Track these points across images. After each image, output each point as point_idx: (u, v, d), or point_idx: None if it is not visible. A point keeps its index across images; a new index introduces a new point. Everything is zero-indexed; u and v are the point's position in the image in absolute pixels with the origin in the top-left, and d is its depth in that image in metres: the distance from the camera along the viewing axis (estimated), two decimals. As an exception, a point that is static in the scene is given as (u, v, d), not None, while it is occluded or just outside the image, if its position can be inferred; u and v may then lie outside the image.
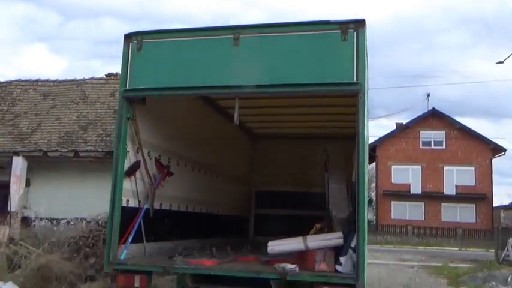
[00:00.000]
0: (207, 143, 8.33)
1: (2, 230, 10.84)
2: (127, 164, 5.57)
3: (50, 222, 15.33)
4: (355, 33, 4.85)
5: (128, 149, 5.55)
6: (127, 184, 5.60)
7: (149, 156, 6.15)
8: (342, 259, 4.90)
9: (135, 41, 5.36)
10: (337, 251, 4.93)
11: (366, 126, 4.90)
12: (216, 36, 5.22)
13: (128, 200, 5.62)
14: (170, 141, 6.80)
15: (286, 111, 8.71)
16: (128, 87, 5.34)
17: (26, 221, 15.14)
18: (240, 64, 5.09)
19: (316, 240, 5.04)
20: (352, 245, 4.86)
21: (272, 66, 5.02)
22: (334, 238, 5.03)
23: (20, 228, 14.49)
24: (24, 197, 15.03)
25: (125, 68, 5.36)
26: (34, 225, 15.29)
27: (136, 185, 5.79)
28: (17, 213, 14.42)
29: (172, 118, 6.84)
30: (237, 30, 5.10)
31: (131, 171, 5.62)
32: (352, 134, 5.57)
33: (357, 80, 4.76)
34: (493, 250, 23.57)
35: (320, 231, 5.70)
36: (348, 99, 6.43)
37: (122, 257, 5.26)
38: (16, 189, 14.52)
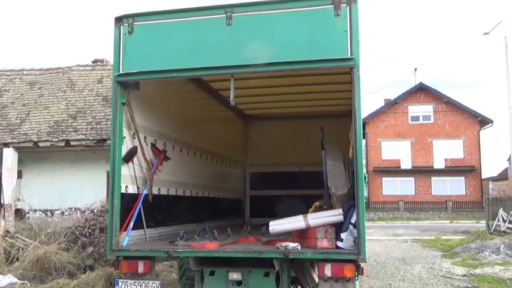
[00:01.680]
0: (202, 126, 8.30)
1: (-3, 222, 10.76)
2: (124, 150, 5.53)
3: (44, 214, 15.31)
4: (347, 7, 4.81)
5: (124, 135, 5.51)
6: (125, 170, 5.57)
7: (145, 141, 6.12)
8: (343, 235, 4.94)
9: (126, 24, 5.28)
10: (338, 228, 4.97)
11: (361, 102, 4.89)
12: (209, 16, 5.15)
13: (126, 187, 5.60)
14: (165, 125, 6.76)
15: (279, 90, 8.69)
16: (121, 72, 5.28)
17: (19, 213, 15.08)
18: (234, 43, 5.05)
19: (316, 218, 5.06)
20: (353, 220, 4.89)
21: (266, 44, 4.98)
22: (335, 215, 5.06)
23: (14, 220, 14.42)
24: (16, 189, 14.93)
25: (116, 52, 5.29)
26: (28, 217, 15.25)
27: (134, 171, 5.77)
28: (11, 206, 14.33)
29: (167, 102, 6.79)
30: (229, 9, 5.04)
31: (129, 157, 5.59)
32: (347, 111, 5.57)
33: (351, 55, 4.74)
34: (483, 221, 23.97)
35: (319, 209, 5.73)
36: (342, 76, 6.43)
37: (125, 244, 5.26)
38: (8, 182, 14.41)
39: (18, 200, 15.21)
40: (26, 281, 9.07)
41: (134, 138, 5.82)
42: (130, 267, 5.08)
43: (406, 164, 41.34)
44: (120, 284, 5.08)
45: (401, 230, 26.00)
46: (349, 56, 4.77)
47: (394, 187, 41.09)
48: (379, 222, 33.16)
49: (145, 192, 5.95)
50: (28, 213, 15.32)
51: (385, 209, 39.24)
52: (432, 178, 41.16)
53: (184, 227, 6.87)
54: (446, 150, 40.59)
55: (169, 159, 6.59)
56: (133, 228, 5.64)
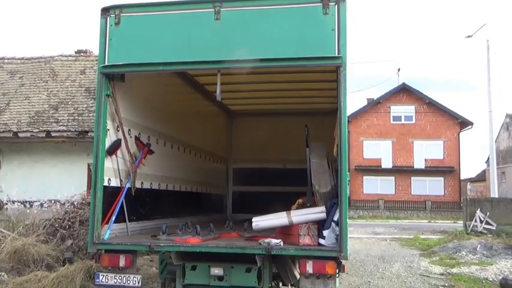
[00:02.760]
0: (186, 120, 8.26)
1: (-27, 213, 10.56)
2: (108, 143, 5.47)
3: (22, 205, 15.10)
4: (336, 6, 4.83)
5: (108, 127, 5.45)
6: (108, 163, 5.51)
7: (129, 134, 6.07)
8: (325, 232, 4.97)
9: (112, 15, 5.22)
10: (321, 225, 5.00)
11: (347, 101, 4.92)
12: (197, 9, 5.12)
13: (109, 179, 5.55)
14: (149, 119, 6.71)
15: (264, 87, 8.68)
16: (106, 63, 5.22)
17: (-2, 204, 14.84)
18: (222, 38, 5.03)
19: (300, 215, 5.09)
20: (335, 218, 4.93)
21: (253, 40, 4.98)
22: (318, 212, 5.09)
23: (-9, 211, 14.19)
24: (-5, 179, 14.68)
25: (102, 43, 5.22)
26: (6, 208, 15.01)
27: (117, 164, 5.72)
28: (-12, 196, 14.09)
29: (151, 95, 6.74)
30: (218, 3, 5.02)
31: (112, 149, 5.54)
32: (331, 109, 5.61)
33: (338, 53, 4.76)
34: (461, 221, 24.34)
35: (302, 206, 5.76)
36: (328, 74, 6.46)
37: (106, 237, 5.21)
38: (-14, 172, 14.15)
39: (-3, 190, 14.98)
40: (3, 273, 8.93)
41: (118, 130, 5.76)
42: (112, 260, 5.04)
43: (387, 164, 41.79)
44: (101, 277, 5.05)
45: (380, 228, 26.29)
46: (336, 55, 4.80)
47: (374, 186, 41.50)
48: (359, 221, 33.46)
49: (128, 185, 5.90)
50: (6, 204, 15.09)
51: (365, 207, 39.62)
52: (412, 178, 41.67)
53: (167, 221, 6.84)
54: (427, 150, 41.14)
55: (153, 152, 6.55)
56: (115, 222, 5.59)
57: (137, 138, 6.28)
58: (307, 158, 5.70)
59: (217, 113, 10.49)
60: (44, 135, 14.17)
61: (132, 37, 5.28)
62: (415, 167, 41.47)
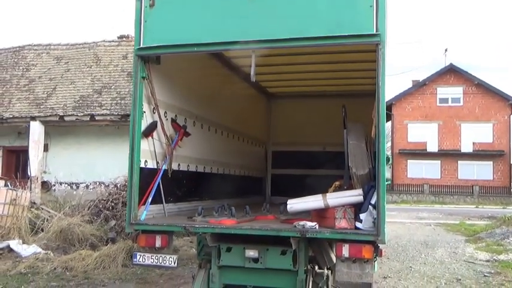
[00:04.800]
0: (223, 103, 8.23)
1: (23, 194, 11.02)
2: (144, 125, 5.52)
3: (69, 187, 15.64)
4: None
5: (144, 110, 5.49)
6: (144, 145, 5.56)
7: (165, 116, 6.09)
8: (362, 216, 4.84)
9: None
10: (358, 208, 4.88)
11: (385, 81, 4.74)
12: (230, -11, 5.03)
13: (146, 161, 5.60)
14: (186, 101, 6.72)
15: (302, 68, 8.52)
16: (141, 46, 5.23)
17: (46, 185, 15.44)
18: (255, 18, 4.92)
19: (336, 198, 4.97)
20: (373, 201, 4.79)
21: (287, 19, 4.84)
22: (354, 195, 4.96)
23: (40, 192, 14.79)
24: (43, 162, 15.25)
25: (138, 25, 5.22)
26: (54, 189, 15.60)
27: (154, 146, 5.76)
28: (37, 178, 14.68)
29: (188, 78, 6.74)
30: None
31: (148, 131, 5.57)
32: (371, 90, 5.42)
33: (376, 31, 4.57)
34: (511, 207, 23.44)
35: (339, 188, 5.63)
36: (368, 54, 6.24)
37: (142, 218, 5.27)
38: (35, 155, 14.73)
39: (45, 172, 15.57)
40: (49, 251, 9.32)
41: (154, 113, 5.79)
42: (148, 241, 5.11)
43: (432, 147, 40.66)
44: (138, 257, 5.13)
45: (425, 213, 25.72)
46: (374, 32, 4.61)
47: (419, 170, 40.54)
48: (402, 205, 32.86)
49: (164, 167, 5.95)
50: (54, 185, 15.68)
51: (409, 191, 38.82)
52: (459, 162, 40.43)
53: (204, 203, 6.86)
54: (475, 133, 39.71)
55: (190, 135, 6.56)
56: (153, 203, 5.65)
57: (173, 121, 6.30)
58: (345, 139, 5.55)
59: (256, 96, 10.40)
60: (88, 118, 14.57)
61: (166, 19, 5.25)
62: (462, 150, 40.18)
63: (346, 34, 4.70)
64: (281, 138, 11.01)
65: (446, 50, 49.83)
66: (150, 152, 5.71)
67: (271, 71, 8.84)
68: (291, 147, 10.93)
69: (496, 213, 23.53)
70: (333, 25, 4.74)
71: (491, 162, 40.04)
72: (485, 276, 9.28)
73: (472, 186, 38.16)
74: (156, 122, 5.77)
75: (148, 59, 5.43)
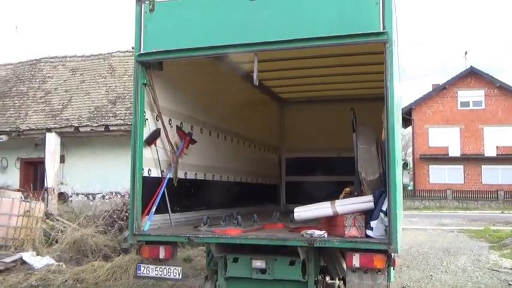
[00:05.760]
0: (233, 109, 8.08)
1: (38, 205, 11.02)
2: (146, 133, 5.39)
3: (86, 197, 15.63)
4: None
5: (146, 117, 5.37)
6: (147, 153, 5.44)
7: (170, 124, 5.96)
8: (372, 223, 4.61)
9: (147, 2, 5.10)
10: (368, 216, 4.65)
11: (394, 81, 4.51)
12: (231, -9, 4.89)
13: (149, 170, 5.47)
14: (192, 108, 6.59)
15: (314, 72, 8.35)
16: (142, 51, 5.11)
17: (62, 196, 15.46)
18: (257, 19, 4.77)
19: (345, 205, 4.75)
20: (384, 208, 4.55)
21: (290, 19, 4.68)
22: (364, 202, 4.73)
23: (57, 203, 14.81)
24: (59, 173, 15.31)
25: (138, 30, 5.12)
26: (71, 200, 15.61)
27: (157, 154, 5.63)
28: (54, 189, 14.72)
29: (193, 84, 6.61)
30: None
31: (151, 139, 5.45)
32: (382, 94, 5.21)
33: (383, 29, 4.37)
34: (538, 211, 22.70)
35: (349, 195, 5.41)
36: (377, 56, 6.03)
37: (146, 228, 5.14)
38: (51, 166, 14.79)
39: (62, 183, 15.60)
40: (61, 263, 9.25)
41: (158, 120, 5.67)
42: (152, 252, 4.96)
43: (454, 152, 39.82)
44: (142, 269, 4.99)
45: (447, 219, 25.09)
46: (381, 30, 4.40)
47: (441, 175, 39.72)
48: (424, 211, 32.19)
49: (169, 176, 5.81)
50: (71, 196, 15.69)
51: (431, 197, 38.03)
52: (482, 166, 39.48)
53: (214, 212, 6.72)
54: (498, 137, 38.74)
55: (196, 142, 6.42)
56: (158, 213, 5.52)
57: (179, 128, 6.18)
58: (354, 143, 5.33)
59: (267, 101, 10.25)
60: (103, 129, 14.57)
61: (167, 23, 5.14)
62: (485, 154, 39.25)
63: (352, 33, 4.50)
64: (295, 145, 10.82)
65: (466, 53, 48.89)
66: (154, 160, 5.58)
67: (283, 76, 8.70)
68: (305, 154, 10.73)
69: (522, 219, 22.81)
70: (338, 24, 4.56)
71: (516, 166, 39.03)
72: (510, 285, 8.87)
73: (497, 191, 37.18)
74: (159, 129, 5.64)
75: (150, 65, 5.32)
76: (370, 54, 6.46)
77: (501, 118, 39.18)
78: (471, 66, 40.57)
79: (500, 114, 39.28)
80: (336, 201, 4.82)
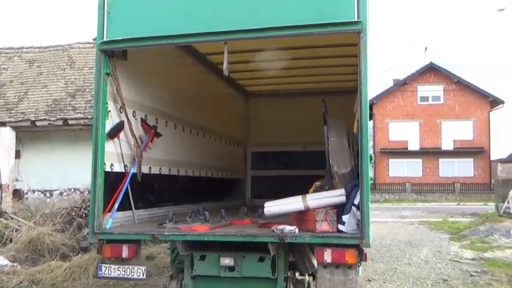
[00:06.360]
0: (199, 102, 7.86)
1: (-10, 203, 10.46)
2: (109, 125, 5.11)
3: (43, 194, 15.00)
4: None
5: (109, 109, 5.09)
6: (110, 147, 5.16)
7: (134, 116, 5.69)
8: (344, 218, 4.51)
9: None
10: (340, 210, 4.55)
11: (368, 71, 4.41)
12: (199, -24, 4.67)
13: (112, 164, 5.20)
14: (157, 100, 6.33)
15: (281, 65, 8.20)
16: (105, 39, 4.83)
17: (18, 193, 14.79)
18: (227, 7, 4.59)
19: (316, 199, 4.64)
20: (356, 202, 4.47)
21: (262, 7, 4.52)
22: (336, 195, 4.63)
23: (12, 201, 14.16)
24: (14, 169, 14.62)
25: (101, 17, 4.83)
26: (27, 197, 14.95)
27: (120, 148, 5.36)
28: (8, 186, 14.06)
29: (159, 75, 6.35)
30: None
31: (114, 132, 5.17)
32: (353, 87, 5.13)
33: (358, 18, 4.26)
34: (492, 203, 23.50)
35: (320, 189, 5.30)
36: (348, 48, 5.95)
37: (108, 226, 4.87)
38: (5, 162, 14.11)
39: (17, 180, 14.91)
40: (16, 263, 8.78)
41: (121, 112, 5.39)
42: (114, 251, 4.70)
43: (413, 146, 40.79)
44: (104, 269, 4.71)
45: (407, 211, 25.63)
46: (355, 20, 4.29)
47: (401, 169, 40.62)
48: (385, 204, 32.80)
49: (133, 171, 5.55)
50: (27, 193, 15.01)
51: (391, 190, 38.83)
52: (440, 160, 40.62)
53: (177, 208, 6.48)
54: (456, 131, 39.94)
55: (161, 135, 6.17)
56: (121, 210, 5.26)
57: (143, 121, 5.91)
58: (325, 136, 5.22)
59: (234, 95, 10.05)
60: (61, 123, 13.99)
61: (132, 10, 4.88)
62: (443, 148, 40.39)
63: (325, 22, 4.37)
64: (261, 139, 10.67)
65: (426, 49, 50.49)
66: (116, 155, 5.31)
67: (249, 69, 8.53)
68: (271, 148, 10.61)
69: (478, 210, 23.52)
70: (311, 13, 4.43)
71: (472, 159, 40.31)
72: (472, 275, 9.04)
73: (453, 184, 38.33)
74: (123, 122, 5.37)
75: (113, 53, 5.04)
76: (341, 46, 6.37)
77: (458, 113, 40.34)
78: (430, 62, 41.56)
79: (457, 109, 40.43)
80: (307, 195, 4.71)
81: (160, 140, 6.24)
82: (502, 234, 13.91)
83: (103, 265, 4.70)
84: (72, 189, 14.50)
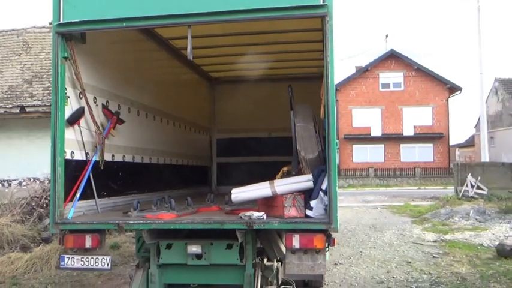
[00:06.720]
0: (163, 88, 7.68)
1: None
2: (68, 112, 4.91)
3: (0, 185, 14.47)
4: None
5: (68, 94, 4.88)
6: (70, 134, 4.96)
7: (95, 102, 5.49)
8: (312, 203, 4.50)
9: None
10: (307, 195, 4.53)
11: (334, 56, 4.38)
12: (161, -44, 4.50)
13: (72, 152, 5.00)
14: (119, 85, 6.12)
15: (246, 50, 8.08)
16: (61, 21, 4.60)
17: (-27, 184, 14.22)
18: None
19: (284, 184, 4.61)
20: (323, 187, 4.46)
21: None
22: (304, 181, 4.61)
23: (-33, 192, 13.59)
24: (-31, 158, 14.02)
25: None
26: (-17, 188, 14.38)
27: (81, 135, 5.16)
28: (-38, 177, 13.48)
29: (121, 60, 6.14)
30: None
31: (74, 119, 4.96)
32: (318, 73, 5.09)
33: (323, 1, 4.20)
34: (451, 187, 24.21)
35: (287, 174, 5.28)
36: (313, 34, 5.91)
37: (70, 216, 4.70)
38: (-41, 151, 13.50)
39: (-28, 170, 14.33)
40: (-27, 257, 8.46)
41: (81, 98, 5.18)
42: (77, 241, 4.54)
43: (376, 131, 41.52)
44: (66, 259, 4.55)
45: (371, 196, 26.14)
46: (321, 3, 4.23)
47: (364, 154, 41.30)
48: (349, 189, 33.34)
49: (95, 158, 5.37)
50: (-17, 184, 14.47)
51: (355, 176, 39.48)
52: (401, 145, 41.51)
53: (142, 196, 6.34)
54: (416, 117, 40.87)
55: (123, 122, 5.99)
56: (83, 199, 5.08)
57: (105, 107, 5.71)
58: (292, 121, 5.17)
59: (198, 81, 9.89)
60: (18, 110, 13.47)
61: (90, -9, 4.66)
62: (404, 134, 41.27)
63: (290, 5, 4.29)
64: (226, 125, 10.58)
65: (387, 36, 51.11)
66: (77, 142, 5.12)
67: (214, 54, 8.39)
68: (236, 134, 10.53)
69: (438, 194, 24.23)
70: (276, -4, 4.32)
71: (432, 145, 41.37)
72: (434, 257, 9.29)
73: (414, 168, 39.27)
74: (83, 108, 5.17)
75: (71, 36, 4.82)
76: (306, 31, 6.31)
77: (418, 99, 41.23)
78: (391, 49, 42.19)
79: (417, 95, 41.30)
80: (275, 181, 4.67)
81: (123, 126, 6.06)
82: (462, 216, 14.35)
83: (65, 256, 4.54)
84: (32, 179, 14.03)
